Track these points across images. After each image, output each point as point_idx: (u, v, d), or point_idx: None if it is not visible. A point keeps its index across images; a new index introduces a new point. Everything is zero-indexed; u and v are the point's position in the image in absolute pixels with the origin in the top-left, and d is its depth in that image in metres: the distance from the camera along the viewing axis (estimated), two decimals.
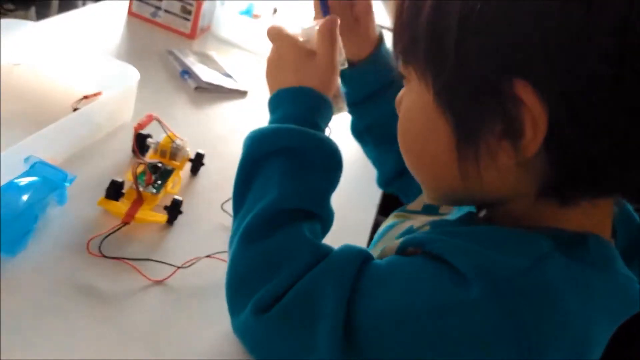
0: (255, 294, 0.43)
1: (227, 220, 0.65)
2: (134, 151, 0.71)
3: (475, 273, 0.38)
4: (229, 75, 1.02)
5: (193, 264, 0.58)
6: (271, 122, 0.54)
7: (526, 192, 0.41)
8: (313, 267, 0.43)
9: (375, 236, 0.63)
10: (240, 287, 0.46)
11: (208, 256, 0.60)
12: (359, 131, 0.70)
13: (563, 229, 0.42)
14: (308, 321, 0.41)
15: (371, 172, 0.73)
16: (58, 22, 1.00)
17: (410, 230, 0.55)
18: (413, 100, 0.46)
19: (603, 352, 0.43)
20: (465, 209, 0.51)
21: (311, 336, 0.40)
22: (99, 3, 1.14)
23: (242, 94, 1.00)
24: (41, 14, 2.16)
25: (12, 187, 0.54)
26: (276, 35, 0.59)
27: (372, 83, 0.67)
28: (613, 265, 0.42)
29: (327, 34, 0.57)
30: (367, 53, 0.65)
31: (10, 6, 2.10)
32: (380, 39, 0.66)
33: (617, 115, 0.36)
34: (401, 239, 0.47)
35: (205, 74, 0.98)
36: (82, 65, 0.77)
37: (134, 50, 1.01)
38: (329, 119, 0.56)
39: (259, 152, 0.51)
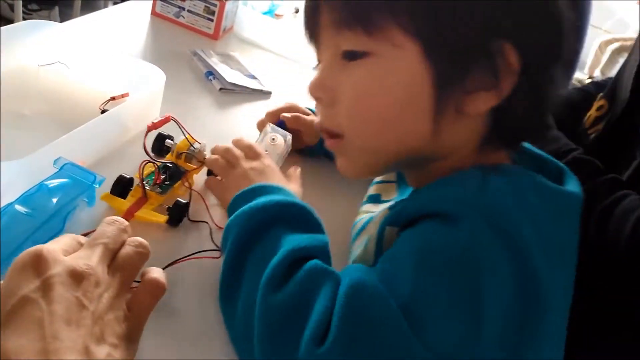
0: (303, 332, 0.43)
1: None
2: (146, 151, 0.69)
3: (458, 208, 0.44)
4: (252, 76, 1.02)
5: (172, 265, 0.54)
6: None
7: (472, 142, 0.49)
8: (336, 290, 0.45)
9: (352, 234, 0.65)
10: (282, 333, 0.44)
11: (189, 256, 0.56)
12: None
13: (481, 164, 0.49)
14: (366, 333, 0.41)
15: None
16: (83, 23, 1.00)
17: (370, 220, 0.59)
18: (386, 69, 0.47)
19: None
20: (407, 192, 0.58)
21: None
22: (123, 3, 1.14)
23: (266, 94, 0.99)
24: (64, 14, 2.19)
25: (43, 189, 0.54)
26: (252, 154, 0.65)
27: None
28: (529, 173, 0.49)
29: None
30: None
31: (35, 6, 2.12)
32: None
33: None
34: (375, 231, 0.53)
35: (229, 74, 0.97)
36: (108, 66, 0.77)
37: (158, 51, 1.01)
38: None
39: (263, 220, 0.52)
